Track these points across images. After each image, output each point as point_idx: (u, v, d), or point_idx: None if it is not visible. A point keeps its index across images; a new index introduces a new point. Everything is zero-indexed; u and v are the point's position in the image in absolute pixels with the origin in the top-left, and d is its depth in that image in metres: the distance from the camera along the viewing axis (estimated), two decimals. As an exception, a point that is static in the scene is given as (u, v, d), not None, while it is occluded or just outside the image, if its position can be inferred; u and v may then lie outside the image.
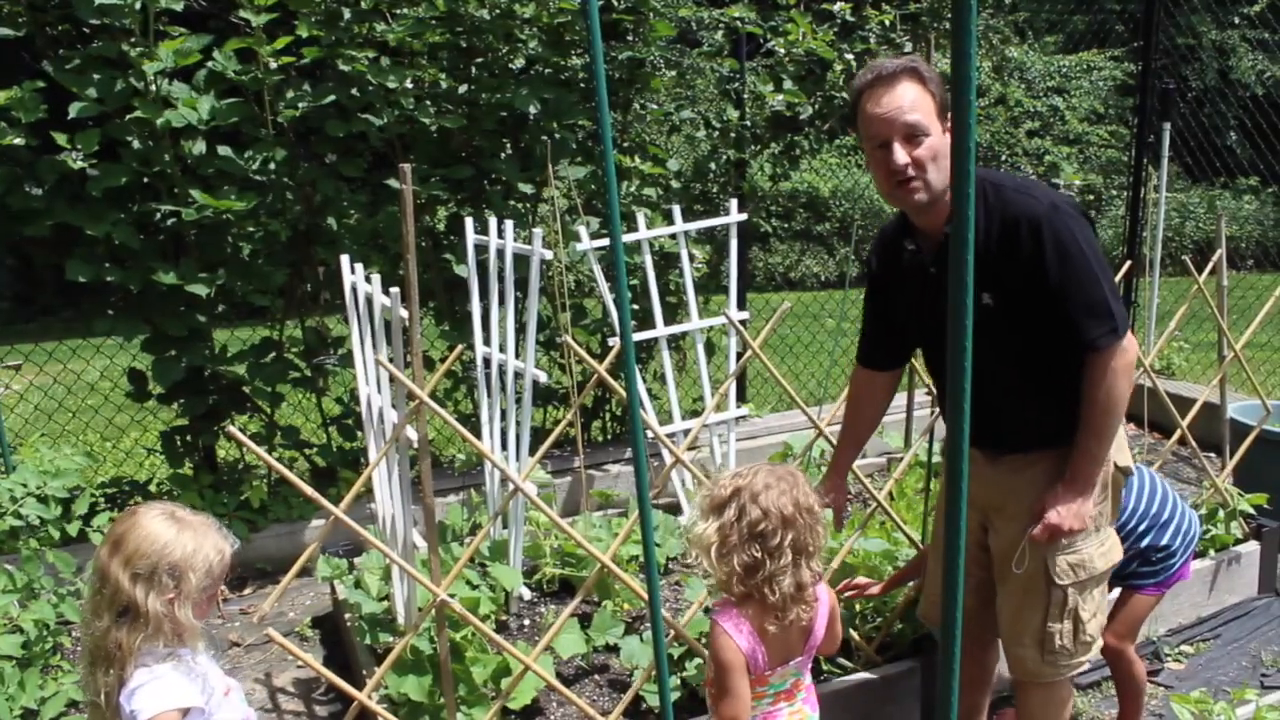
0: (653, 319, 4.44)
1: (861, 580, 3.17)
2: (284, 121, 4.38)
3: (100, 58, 3.95)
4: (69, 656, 3.50)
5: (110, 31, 3.95)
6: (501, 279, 3.62)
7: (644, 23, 5.00)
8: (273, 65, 4.23)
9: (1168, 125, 5.71)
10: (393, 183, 4.51)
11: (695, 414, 4.96)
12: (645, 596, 2.09)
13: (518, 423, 3.70)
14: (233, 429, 2.63)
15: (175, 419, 4.59)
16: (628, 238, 4.29)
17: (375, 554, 3.51)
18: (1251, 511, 3.97)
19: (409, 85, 4.47)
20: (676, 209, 4.45)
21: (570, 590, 3.80)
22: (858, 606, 3.30)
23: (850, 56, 5.47)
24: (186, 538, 1.94)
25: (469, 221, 3.93)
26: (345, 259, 3.53)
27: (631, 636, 3.29)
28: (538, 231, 3.46)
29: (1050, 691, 2.57)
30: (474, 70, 4.73)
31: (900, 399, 5.50)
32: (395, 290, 2.67)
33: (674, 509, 4.52)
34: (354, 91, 4.38)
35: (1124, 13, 14.96)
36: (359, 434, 4.76)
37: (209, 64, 4.15)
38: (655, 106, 5.44)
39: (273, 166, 4.31)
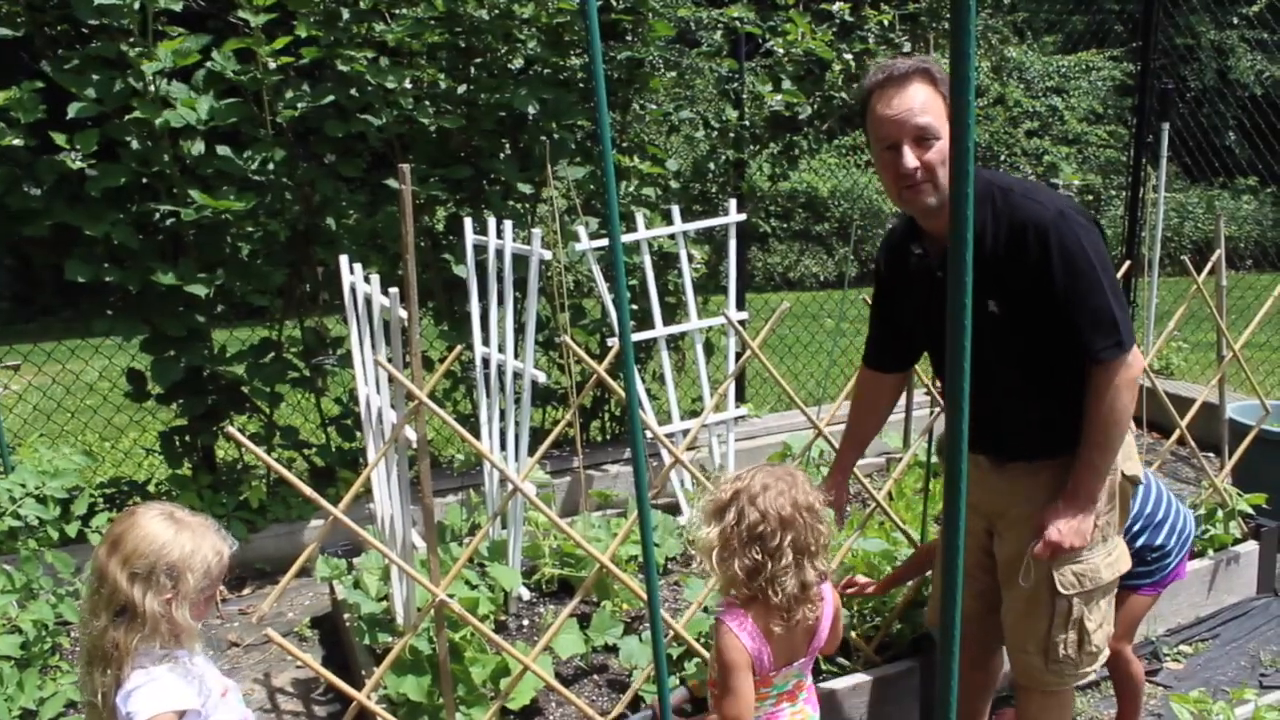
0: (652, 319, 4.44)
1: (860, 579, 3.17)
2: (283, 122, 4.38)
3: (99, 58, 3.95)
4: (67, 657, 3.50)
5: (109, 31, 3.95)
6: (500, 279, 3.62)
7: (643, 23, 5.00)
8: (271, 65, 4.23)
9: (1166, 125, 5.71)
10: (392, 183, 4.51)
11: (694, 414, 4.96)
12: (644, 597, 2.09)
13: (516, 423, 3.70)
14: (231, 429, 2.63)
15: (174, 419, 4.59)
16: (627, 238, 4.29)
17: (374, 554, 3.51)
18: (1250, 511, 3.97)
19: (408, 85, 4.47)
20: (675, 209, 4.46)
21: (569, 590, 3.80)
22: (855, 605, 3.30)
23: (849, 56, 5.47)
24: (185, 538, 1.94)
25: (468, 222, 3.93)
26: (344, 259, 3.53)
27: (630, 637, 3.29)
28: (537, 232, 3.46)
29: (1052, 699, 2.55)
30: (473, 70, 4.73)
31: (901, 399, 5.51)
32: (394, 290, 2.67)
33: (673, 509, 4.52)
34: (353, 92, 4.38)
35: (1123, 13, 14.97)
36: (358, 434, 4.76)
37: (208, 64, 4.15)
38: (654, 106, 5.44)
39: (271, 167, 4.31)
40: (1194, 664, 3.54)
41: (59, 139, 3.91)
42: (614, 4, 4.91)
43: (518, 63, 4.85)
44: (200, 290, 4.11)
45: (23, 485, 3.76)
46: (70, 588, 3.44)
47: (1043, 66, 14.91)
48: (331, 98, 4.32)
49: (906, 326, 2.61)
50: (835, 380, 6.54)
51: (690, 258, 4.58)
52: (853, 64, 5.49)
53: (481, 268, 3.79)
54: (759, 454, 5.11)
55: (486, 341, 3.75)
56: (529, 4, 4.57)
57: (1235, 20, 14.69)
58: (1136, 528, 2.86)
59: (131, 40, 3.96)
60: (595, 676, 3.35)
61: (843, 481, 2.83)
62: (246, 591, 4.28)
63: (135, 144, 4.03)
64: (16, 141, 3.85)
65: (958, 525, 1.08)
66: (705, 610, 3.10)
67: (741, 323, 4.00)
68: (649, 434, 3.20)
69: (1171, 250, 11.59)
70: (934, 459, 3.46)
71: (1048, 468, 2.39)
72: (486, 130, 4.66)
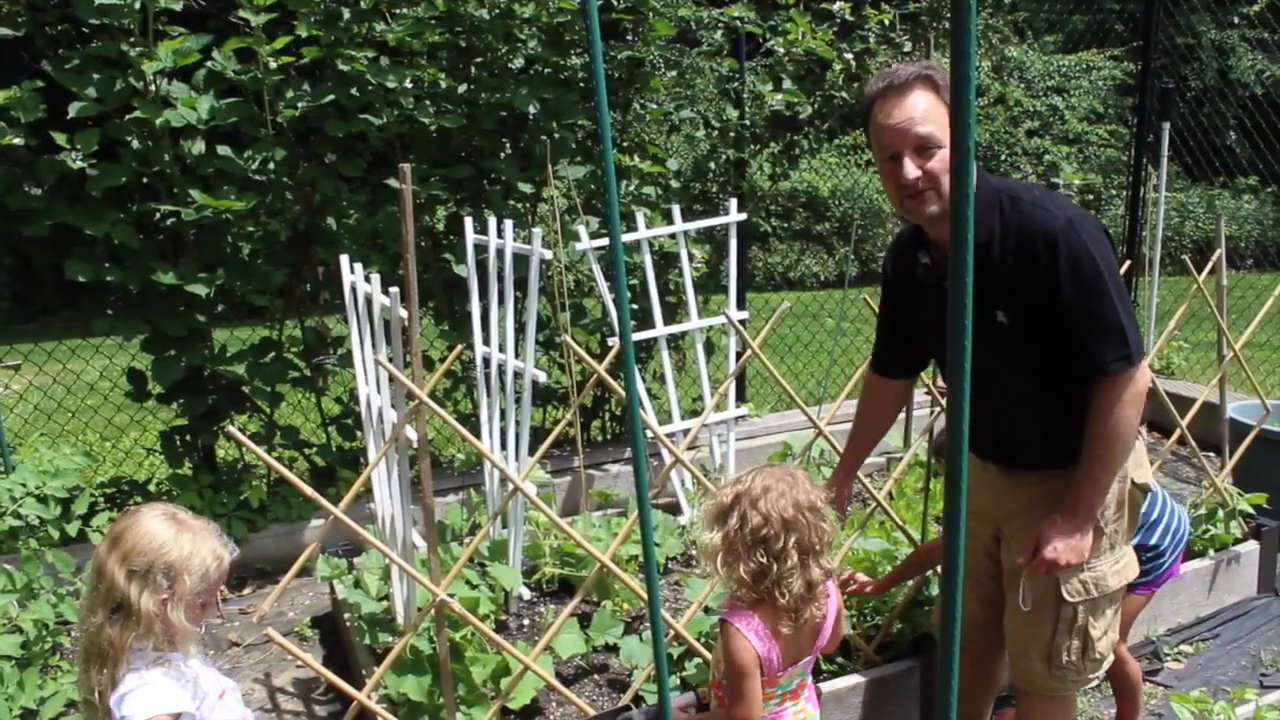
0: (652, 319, 4.44)
1: (861, 576, 3.16)
2: (283, 121, 4.38)
3: (99, 57, 3.95)
4: (68, 656, 3.50)
5: (109, 31, 3.95)
6: (501, 279, 3.62)
7: (643, 22, 5.00)
8: (272, 65, 4.23)
9: (1167, 125, 5.71)
10: (392, 182, 4.51)
11: (695, 414, 4.96)
12: (644, 596, 2.09)
13: (517, 422, 3.70)
14: (232, 429, 2.63)
15: (174, 419, 4.59)
16: (627, 237, 4.29)
17: (374, 554, 3.51)
18: (1251, 511, 3.97)
19: (408, 85, 4.47)
20: (676, 208, 4.46)
21: (570, 590, 3.80)
22: (855, 605, 3.30)
23: (849, 56, 5.47)
24: (185, 540, 1.94)
25: (468, 221, 3.93)
26: (345, 259, 3.53)
27: (631, 636, 3.29)
28: (537, 231, 3.46)
29: (1053, 704, 2.52)
30: (473, 70, 4.73)
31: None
32: (395, 290, 2.67)
33: (673, 509, 4.52)
34: (353, 91, 4.38)
35: (1123, 12, 14.97)
36: (358, 434, 4.76)
37: (208, 64, 4.15)
38: (655, 106, 5.44)
39: (272, 166, 4.31)
40: (1194, 664, 3.54)
41: (59, 138, 3.91)
42: (615, 3, 4.91)
43: (518, 62, 4.85)
44: (201, 290, 4.11)
45: (23, 485, 3.76)
46: (71, 587, 3.44)
47: (1043, 66, 14.92)
48: (332, 97, 4.32)
49: (916, 336, 2.58)
50: (836, 380, 6.54)
51: (691, 257, 4.58)
52: (853, 63, 5.49)
53: (482, 267, 3.79)
54: (759, 453, 5.10)
55: (487, 341, 3.75)
56: (529, 3, 4.57)
57: (1236, 20, 14.69)
58: None
59: (132, 40, 3.96)
60: (596, 676, 3.35)
61: (846, 481, 2.81)
62: (247, 591, 4.28)
63: (136, 144, 4.03)
64: (17, 141, 3.85)
65: (958, 525, 1.08)
66: (706, 610, 3.10)
67: (742, 322, 4.00)
68: (649, 433, 3.20)
69: (1172, 250, 11.59)
70: (934, 460, 3.46)
71: (1056, 477, 2.34)
72: (487, 130, 4.67)
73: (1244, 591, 3.91)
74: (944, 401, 2.94)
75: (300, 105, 4.33)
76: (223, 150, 4.22)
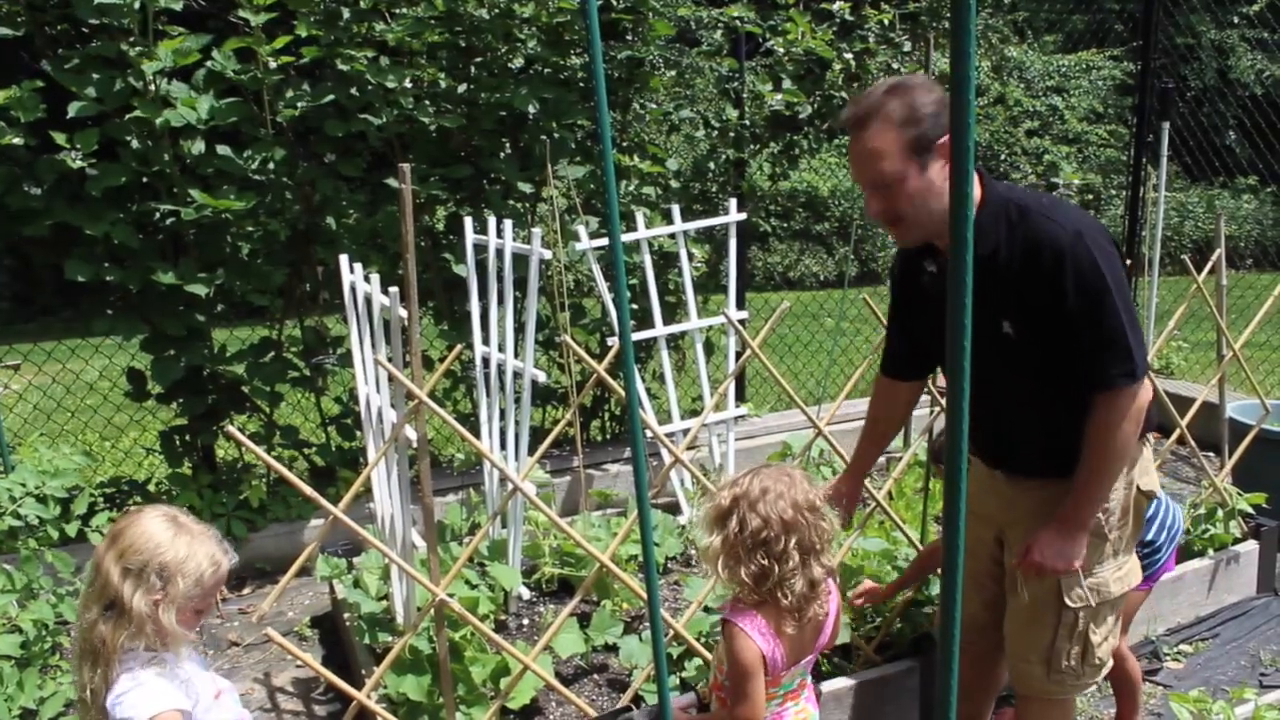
0: (652, 318, 4.44)
1: (869, 583, 3.14)
2: (283, 121, 4.38)
3: (99, 57, 3.95)
4: (67, 656, 3.50)
5: (109, 31, 3.95)
6: (500, 278, 3.62)
7: (643, 22, 5.00)
8: (272, 65, 4.23)
9: (1167, 125, 5.71)
10: (392, 182, 4.51)
11: (694, 413, 4.96)
12: (644, 596, 2.09)
13: (516, 422, 3.70)
14: (232, 429, 2.63)
15: (174, 419, 4.59)
16: (627, 237, 4.29)
17: (374, 553, 3.51)
18: (1250, 511, 3.97)
19: (408, 85, 4.47)
20: (675, 208, 4.46)
21: (569, 590, 3.80)
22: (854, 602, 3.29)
23: (849, 56, 5.47)
24: (182, 542, 1.94)
25: (468, 221, 3.93)
26: (344, 258, 3.53)
27: (630, 636, 3.29)
28: (537, 231, 3.46)
29: (1053, 707, 2.52)
30: (473, 70, 4.73)
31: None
32: (394, 290, 2.67)
33: (673, 509, 4.52)
34: (353, 91, 4.38)
35: (1123, 12, 14.98)
36: (358, 433, 4.76)
37: (208, 63, 4.15)
38: (654, 106, 5.44)
39: (272, 166, 4.31)
40: (1194, 663, 3.54)
41: (59, 138, 3.91)
42: (614, 3, 4.91)
43: (518, 62, 4.85)
44: (200, 290, 4.11)
45: (23, 485, 3.76)
46: (70, 587, 3.44)
47: (1043, 66, 14.92)
48: (332, 97, 4.32)
49: (923, 341, 2.58)
50: (835, 380, 6.54)
51: (690, 257, 4.58)
52: (853, 63, 5.49)
53: (481, 267, 3.78)
54: (759, 453, 5.10)
55: (486, 341, 3.75)
56: (529, 3, 4.57)
57: (1235, 19, 14.69)
58: None
59: (132, 40, 3.96)
60: (595, 676, 3.35)
61: (857, 482, 2.81)
62: (246, 591, 4.28)
63: (135, 143, 4.03)
64: (17, 141, 3.85)
65: (957, 525, 1.08)
66: (705, 610, 3.10)
67: (741, 322, 4.00)
68: (649, 433, 3.20)
69: (1172, 249, 11.59)
70: (934, 466, 3.46)
71: (1059, 485, 2.33)
72: (487, 130, 4.66)
73: (1243, 591, 3.91)
74: (944, 402, 2.94)
75: (300, 105, 4.33)
76: (222, 150, 4.22)
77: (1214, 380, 4.23)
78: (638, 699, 2.98)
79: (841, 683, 2.99)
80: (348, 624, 3.49)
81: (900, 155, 2.15)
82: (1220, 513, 3.89)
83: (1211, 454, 4.53)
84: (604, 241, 4.16)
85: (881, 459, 5.27)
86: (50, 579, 3.46)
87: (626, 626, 3.44)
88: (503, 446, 3.75)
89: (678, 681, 3.06)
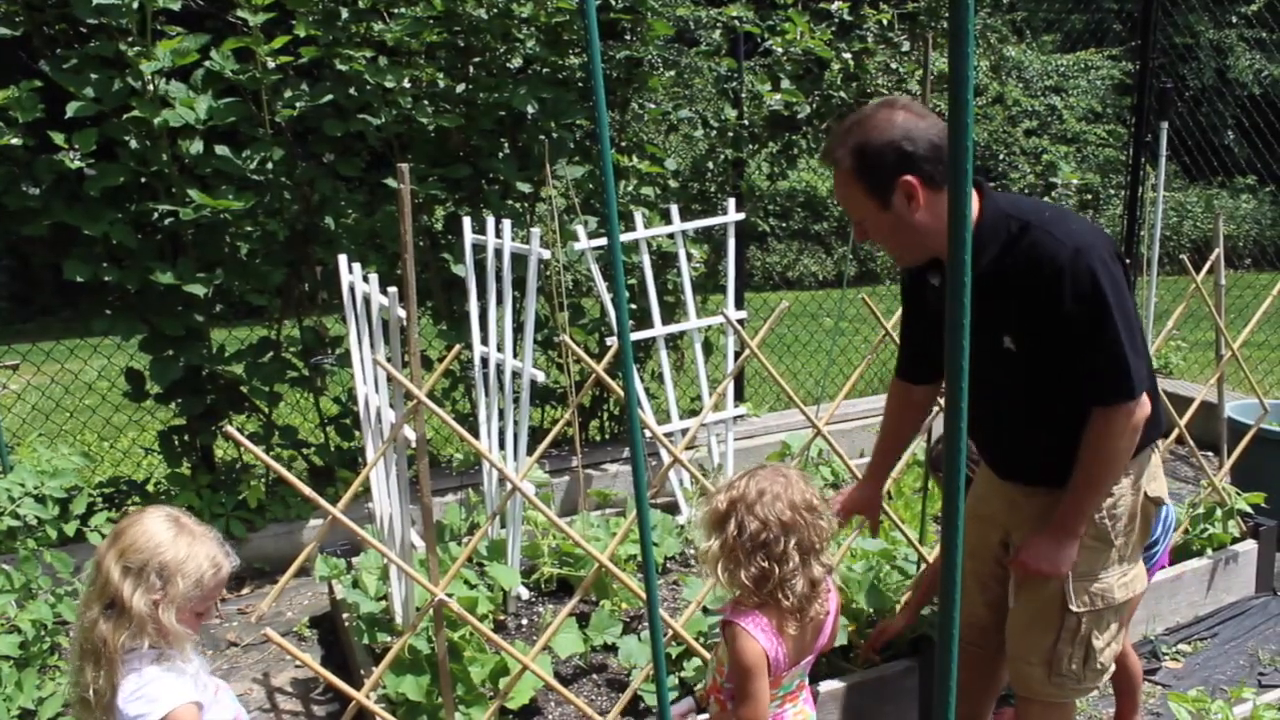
0: (650, 318, 4.44)
1: (885, 626, 3.12)
2: (281, 121, 4.38)
3: (98, 57, 3.94)
4: (66, 657, 3.50)
5: (108, 31, 3.95)
6: (499, 278, 3.62)
7: (642, 22, 5.00)
8: (270, 65, 4.23)
9: (1165, 124, 5.71)
10: (390, 182, 4.51)
11: (693, 413, 4.96)
12: (643, 596, 2.09)
13: (515, 422, 3.70)
14: (230, 429, 2.63)
15: (173, 419, 4.58)
16: (625, 237, 4.29)
17: (373, 553, 3.51)
18: (1249, 510, 3.98)
19: (407, 85, 4.47)
20: (674, 208, 4.46)
21: (568, 590, 3.80)
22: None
23: (848, 56, 5.48)
24: (182, 543, 1.94)
25: (467, 221, 3.92)
26: (343, 258, 3.53)
27: (629, 636, 3.29)
28: (535, 231, 3.46)
29: (1051, 710, 2.51)
30: (472, 70, 4.73)
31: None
32: (393, 290, 2.67)
33: (672, 508, 4.52)
34: (352, 91, 4.38)
35: (1121, 12, 14.98)
36: (357, 433, 4.76)
37: (206, 63, 4.15)
38: (653, 106, 5.44)
39: (270, 166, 4.30)
40: (1193, 663, 3.54)
41: (57, 138, 3.91)
42: (613, 3, 4.91)
43: (516, 62, 4.85)
44: (199, 290, 4.11)
45: (21, 485, 3.75)
46: (69, 587, 3.44)
47: (1041, 65, 14.92)
48: (330, 97, 4.32)
49: (934, 351, 2.58)
50: (834, 379, 6.54)
51: (689, 257, 4.58)
52: (851, 63, 5.49)
53: (480, 267, 3.78)
54: (758, 453, 5.10)
55: (485, 341, 3.75)
56: (528, 3, 4.57)
57: (1234, 19, 14.70)
58: None
59: (130, 40, 3.96)
60: (594, 676, 3.35)
61: (876, 486, 2.82)
62: (245, 591, 4.28)
63: (134, 143, 4.02)
64: (15, 141, 3.85)
65: (957, 525, 1.08)
66: (704, 610, 3.10)
67: (740, 322, 4.00)
68: (648, 433, 3.20)
69: (1170, 249, 11.59)
70: (933, 475, 3.46)
71: (1064, 493, 2.33)
72: (485, 129, 4.66)
73: (1242, 591, 3.91)
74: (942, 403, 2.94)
75: (298, 105, 4.33)
76: (221, 150, 4.21)
77: (1213, 380, 4.23)
78: (636, 698, 2.98)
79: (841, 683, 2.98)
80: (346, 624, 3.49)
81: (859, 200, 2.24)
82: (1219, 512, 3.90)
83: (1210, 453, 4.53)
84: (602, 241, 4.16)
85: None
86: (49, 579, 3.46)
87: (625, 626, 3.44)
88: (501, 446, 3.75)
89: (676, 681, 3.06)
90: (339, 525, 2.49)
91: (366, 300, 3.05)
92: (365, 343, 3.22)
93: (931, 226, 2.20)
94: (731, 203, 4.56)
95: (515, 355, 3.63)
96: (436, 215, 4.88)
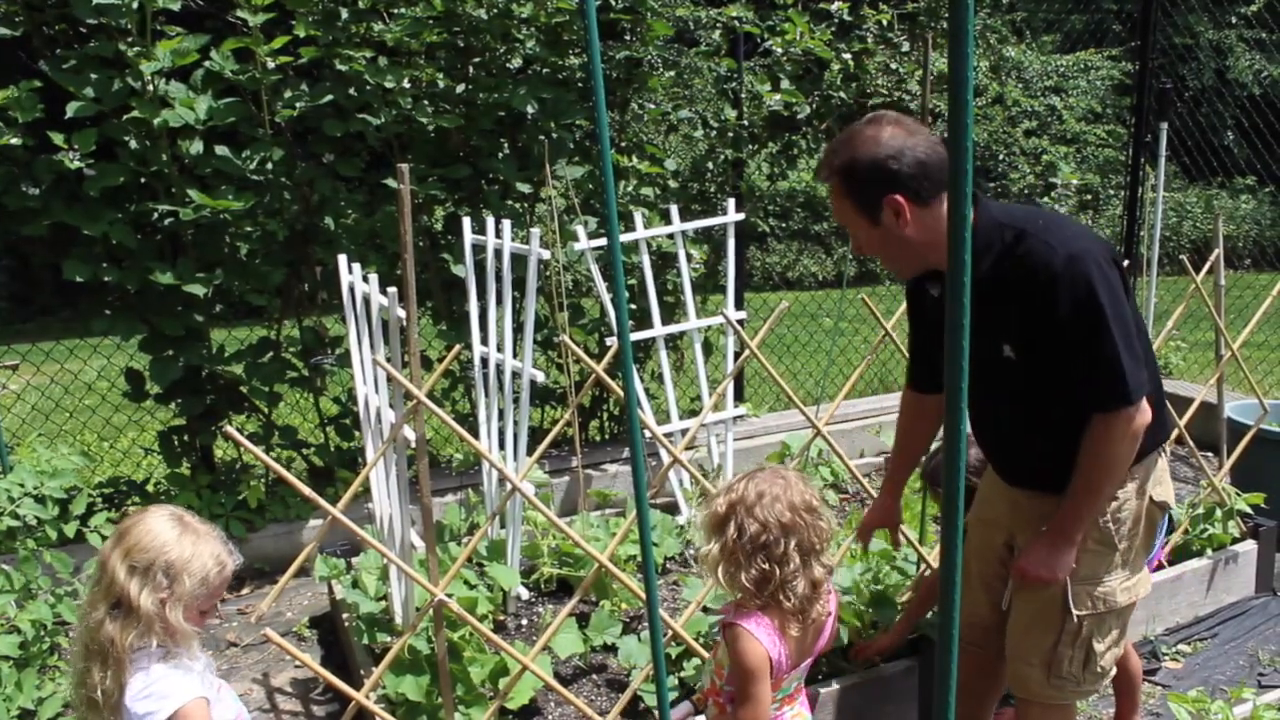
0: (650, 319, 4.44)
1: (876, 644, 3.12)
2: (281, 121, 4.38)
3: (97, 57, 3.94)
4: (66, 657, 3.50)
5: (107, 31, 3.95)
6: (499, 279, 3.62)
7: (641, 22, 5.00)
8: (270, 65, 4.23)
9: (1165, 125, 5.71)
10: (390, 182, 4.51)
11: (693, 414, 4.96)
12: (643, 596, 2.09)
13: (515, 422, 3.70)
14: (230, 429, 2.63)
15: (172, 419, 4.58)
16: (625, 237, 4.29)
17: (373, 554, 3.51)
18: (1249, 511, 3.98)
19: (406, 85, 4.47)
20: (674, 208, 4.45)
21: (568, 590, 3.80)
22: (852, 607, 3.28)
23: (848, 56, 5.48)
24: (187, 541, 1.95)
25: (466, 221, 3.92)
26: (343, 259, 3.52)
27: (629, 636, 3.29)
28: (535, 231, 3.46)
29: (1051, 713, 2.50)
30: (471, 70, 4.73)
31: (898, 399, 5.51)
32: (393, 290, 2.67)
33: (672, 509, 4.52)
34: (351, 91, 4.38)
35: (1121, 12, 14.98)
36: (356, 434, 4.76)
37: (206, 64, 4.15)
38: (653, 106, 5.44)
39: (270, 166, 4.30)
40: (1192, 663, 3.54)
41: (57, 138, 3.91)
42: (613, 3, 4.91)
43: (516, 62, 4.85)
44: (199, 290, 4.11)
45: (21, 485, 3.75)
46: (69, 588, 3.44)
47: (1041, 66, 14.91)
48: (330, 97, 4.32)
49: (938, 359, 2.58)
50: (834, 380, 6.54)
51: (689, 257, 4.58)
52: (851, 63, 5.49)
53: (480, 267, 3.78)
54: (758, 453, 5.11)
55: (485, 341, 3.75)
56: (527, 3, 4.57)
57: (1234, 20, 14.70)
58: None
59: (130, 40, 3.96)
60: (594, 676, 3.35)
61: (894, 502, 2.83)
62: (245, 591, 4.28)
63: (134, 143, 4.02)
64: (15, 141, 3.85)
65: (956, 526, 1.08)
66: (704, 610, 3.10)
67: (740, 322, 4.00)
68: (647, 433, 3.20)
69: (1170, 249, 11.59)
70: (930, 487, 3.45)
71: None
72: (485, 130, 4.66)
73: (1242, 591, 3.91)
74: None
75: (298, 105, 4.33)
76: (221, 150, 4.21)
77: (1212, 380, 4.23)
78: (636, 699, 2.98)
79: (841, 683, 2.98)
80: (346, 624, 3.49)
81: (850, 216, 2.29)
82: (1219, 513, 3.90)
83: (1210, 454, 4.53)
84: (602, 242, 4.16)
85: (880, 458, 5.31)
86: (48, 579, 3.46)
87: (625, 627, 3.44)
88: (501, 447, 3.74)
89: (676, 681, 3.06)
90: (339, 525, 2.49)
91: (366, 300, 3.05)
92: (365, 343, 3.22)
93: (922, 240, 2.23)
94: (731, 203, 4.56)
95: (515, 355, 3.63)
96: (436, 215, 4.88)
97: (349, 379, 4.41)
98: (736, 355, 4.61)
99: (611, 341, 4.60)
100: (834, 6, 5.57)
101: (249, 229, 4.30)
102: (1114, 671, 2.52)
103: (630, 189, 5.05)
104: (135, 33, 3.97)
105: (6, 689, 3.05)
